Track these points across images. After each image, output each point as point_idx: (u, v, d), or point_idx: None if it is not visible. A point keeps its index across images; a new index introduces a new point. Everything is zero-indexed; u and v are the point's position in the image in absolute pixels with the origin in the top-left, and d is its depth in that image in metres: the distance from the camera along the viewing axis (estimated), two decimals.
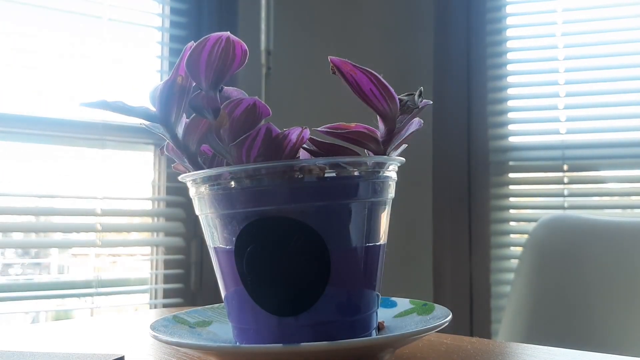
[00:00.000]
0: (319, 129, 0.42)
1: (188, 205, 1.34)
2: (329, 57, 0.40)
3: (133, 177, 1.57)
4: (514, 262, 1.57)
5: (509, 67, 1.72)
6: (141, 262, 1.59)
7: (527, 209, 1.74)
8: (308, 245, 0.39)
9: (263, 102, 0.41)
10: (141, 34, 1.59)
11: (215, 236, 0.43)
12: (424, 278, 1.71)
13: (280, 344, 0.39)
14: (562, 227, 1.20)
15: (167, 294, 1.54)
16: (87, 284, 1.44)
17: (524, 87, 1.73)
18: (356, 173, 0.41)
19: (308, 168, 0.39)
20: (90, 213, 1.45)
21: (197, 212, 0.44)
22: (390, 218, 0.45)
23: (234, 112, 0.41)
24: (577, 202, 1.64)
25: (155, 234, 1.57)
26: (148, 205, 1.58)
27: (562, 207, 1.63)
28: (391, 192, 0.44)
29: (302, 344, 0.37)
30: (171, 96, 0.42)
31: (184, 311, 0.50)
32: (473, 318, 1.64)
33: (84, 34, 1.47)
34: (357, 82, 0.41)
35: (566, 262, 1.16)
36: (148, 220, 1.61)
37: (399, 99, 0.42)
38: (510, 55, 1.72)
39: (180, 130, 0.43)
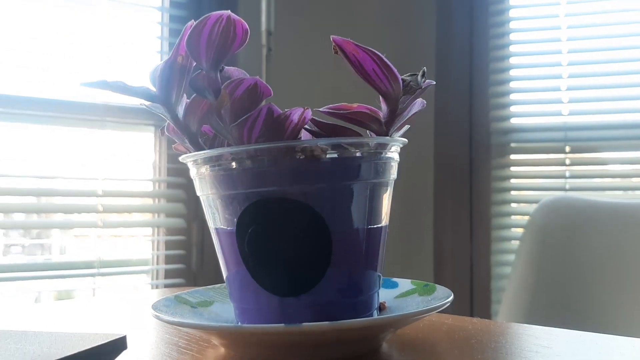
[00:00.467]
0: (320, 109, 0.42)
1: (189, 186, 1.34)
2: (331, 37, 0.40)
3: (134, 158, 1.57)
4: (515, 244, 1.58)
5: (512, 49, 1.70)
6: (142, 243, 1.60)
7: (529, 190, 1.74)
8: (310, 226, 0.39)
9: (264, 82, 0.41)
10: (141, 14, 1.58)
11: (216, 217, 0.43)
12: (425, 259, 1.71)
13: (282, 324, 0.39)
14: (563, 209, 1.20)
15: (168, 274, 1.54)
16: (88, 265, 1.45)
17: (526, 68, 1.72)
18: (358, 154, 0.41)
19: (310, 149, 0.39)
20: (92, 194, 1.45)
21: (198, 193, 0.44)
22: (392, 199, 0.45)
23: (234, 92, 0.40)
24: (579, 183, 1.64)
25: (156, 214, 1.58)
26: (149, 186, 1.58)
27: (563, 189, 1.63)
28: (393, 173, 0.44)
29: (304, 324, 0.37)
30: (171, 76, 0.42)
31: (186, 291, 0.50)
32: (474, 299, 1.65)
33: (84, 15, 1.46)
34: (360, 62, 0.40)
35: (567, 244, 1.16)
36: (149, 201, 1.61)
37: (401, 79, 0.41)
38: (512, 37, 1.71)
39: (180, 111, 0.43)
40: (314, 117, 0.42)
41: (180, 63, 0.42)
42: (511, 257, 1.48)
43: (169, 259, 1.55)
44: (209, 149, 0.43)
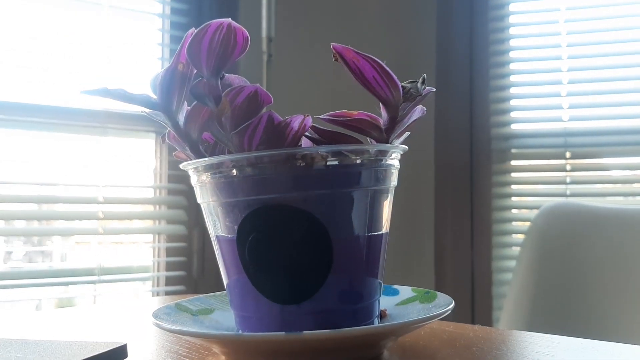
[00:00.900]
0: (321, 116, 0.42)
1: (190, 193, 1.34)
2: (331, 44, 0.40)
3: (135, 165, 1.57)
4: (516, 250, 1.58)
5: (512, 54, 1.71)
6: (143, 250, 1.60)
7: (529, 196, 1.74)
8: (310, 234, 0.39)
9: (265, 89, 0.41)
10: (142, 21, 1.58)
11: (217, 224, 0.43)
12: (426, 266, 1.71)
13: (283, 332, 0.39)
14: (564, 215, 1.20)
15: (169, 281, 1.54)
16: (89, 272, 1.45)
17: (527, 74, 1.72)
18: (359, 161, 0.41)
19: (310, 156, 0.39)
20: (92, 201, 1.45)
21: (199, 200, 0.44)
22: (392, 206, 0.45)
23: (235, 100, 0.40)
24: (580, 189, 1.63)
25: (157, 221, 1.57)
26: (150, 193, 1.59)
27: (564, 195, 1.63)
28: (394, 180, 0.44)
29: (305, 332, 0.37)
30: (172, 84, 0.42)
31: (187, 299, 0.50)
32: (475, 306, 1.65)
33: (85, 22, 1.46)
34: (360, 69, 0.40)
35: (568, 250, 1.16)
36: (150, 208, 1.61)
37: (401, 86, 0.41)
38: (512, 42, 1.71)
39: (181, 118, 0.43)
40: (315, 125, 0.42)
41: (181, 70, 0.42)
42: (512, 264, 1.48)
43: (169, 266, 1.55)
44: (209, 156, 0.43)
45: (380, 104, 0.42)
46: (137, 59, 1.55)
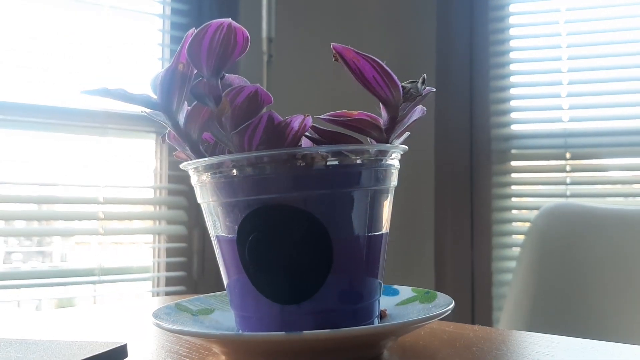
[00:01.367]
0: (321, 116, 0.42)
1: (190, 193, 1.34)
2: (331, 44, 0.40)
3: (135, 165, 1.57)
4: (516, 250, 1.58)
5: (512, 55, 1.71)
6: (143, 250, 1.60)
7: (529, 197, 1.74)
8: (310, 234, 0.39)
9: (265, 89, 0.41)
10: (142, 21, 1.58)
11: (217, 224, 0.43)
12: (426, 266, 1.71)
13: (283, 332, 0.39)
14: (564, 216, 1.20)
15: (169, 282, 1.54)
16: (89, 272, 1.45)
17: (527, 74, 1.72)
18: (359, 161, 0.41)
19: (310, 156, 0.39)
20: (93, 201, 1.45)
21: (199, 200, 0.44)
22: (392, 206, 0.45)
23: (235, 100, 0.41)
24: (580, 190, 1.64)
25: (157, 222, 1.57)
26: (150, 194, 1.59)
27: (564, 195, 1.63)
28: (394, 180, 0.44)
29: (305, 332, 0.37)
30: (172, 84, 0.42)
31: (187, 299, 0.50)
32: (475, 306, 1.65)
33: (85, 22, 1.46)
34: (360, 69, 0.40)
35: (568, 251, 1.16)
36: (150, 208, 1.61)
37: (401, 86, 0.42)
38: (513, 43, 1.71)
39: (181, 118, 0.43)
40: (315, 125, 0.42)
41: (181, 71, 0.42)
42: (512, 264, 1.48)
43: (169, 267, 1.55)
44: (209, 156, 0.43)
45: (380, 104, 0.42)
46: (137, 59, 1.55)
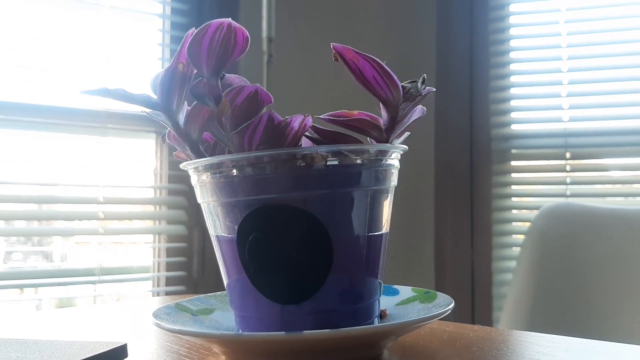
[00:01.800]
0: (321, 116, 0.42)
1: (190, 193, 1.34)
2: (331, 44, 0.40)
3: (135, 165, 1.57)
4: (516, 250, 1.58)
5: (512, 55, 1.71)
6: (143, 250, 1.60)
7: (529, 197, 1.74)
8: (310, 234, 0.39)
9: (265, 89, 0.41)
10: (142, 21, 1.58)
11: (217, 224, 0.43)
12: (426, 266, 1.71)
13: (283, 332, 0.39)
14: (564, 215, 1.20)
15: (169, 281, 1.54)
16: (89, 272, 1.45)
17: (527, 74, 1.72)
18: (359, 161, 0.41)
19: (310, 156, 0.39)
20: (93, 201, 1.45)
21: (199, 200, 0.44)
22: (392, 206, 0.45)
23: (235, 100, 0.41)
24: (580, 190, 1.63)
25: (157, 222, 1.57)
26: (150, 193, 1.59)
27: (564, 195, 1.63)
28: (394, 180, 0.44)
29: (305, 332, 0.37)
30: (172, 84, 0.42)
31: (187, 299, 0.50)
32: (475, 306, 1.65)
33: (85, 22, 1.46)
34: (360, 69, 0.40)
35: (568, 251, 1.16)
36: (150, 208, 1.61)
37: (401, 86, 0.41)
38: (513, 43, 1.71)
39: (181, 118, 0.43)
40: (315, 125, 0.42)
41: (181, 70, 0.42)
42: (512, 264, 1.48)
43: (169, 266, 1.55)
44: (209, 156, 0.43)
45: (380, 104, 0.42)
46: (137, 59, 1.55)
